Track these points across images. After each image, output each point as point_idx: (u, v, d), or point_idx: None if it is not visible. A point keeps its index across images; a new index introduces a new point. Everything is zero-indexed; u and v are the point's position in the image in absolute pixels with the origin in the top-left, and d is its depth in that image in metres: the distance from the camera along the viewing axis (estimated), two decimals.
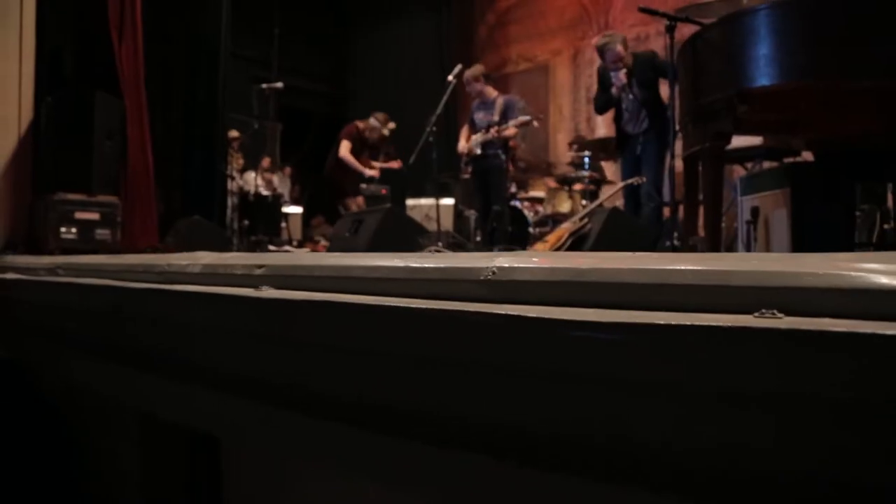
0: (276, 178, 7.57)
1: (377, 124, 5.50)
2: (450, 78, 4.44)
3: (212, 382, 1.43)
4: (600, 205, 4.28)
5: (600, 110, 4.70)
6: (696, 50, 2.71)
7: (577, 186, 5.43)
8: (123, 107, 5.47)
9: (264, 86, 5.03)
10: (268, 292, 1.29)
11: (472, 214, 6.67)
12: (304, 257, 1.37)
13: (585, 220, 3.96)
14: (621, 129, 4.57)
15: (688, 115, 2.82)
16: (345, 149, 5.40)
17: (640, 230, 4.03)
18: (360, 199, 5.54)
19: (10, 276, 2.42)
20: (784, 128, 3.21)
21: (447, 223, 5.74)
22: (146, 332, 1.59)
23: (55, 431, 2.38)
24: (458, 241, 6.83)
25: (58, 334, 2.05)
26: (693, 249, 2.91)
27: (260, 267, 1.42)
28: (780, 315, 0.83)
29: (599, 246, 3.85)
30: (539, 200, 6.07)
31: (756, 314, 0.84)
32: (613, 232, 3.87)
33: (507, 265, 1.07)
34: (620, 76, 4.32)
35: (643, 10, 2.71)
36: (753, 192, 3.39)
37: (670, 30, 2.77)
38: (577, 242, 3.92)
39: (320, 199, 9.64)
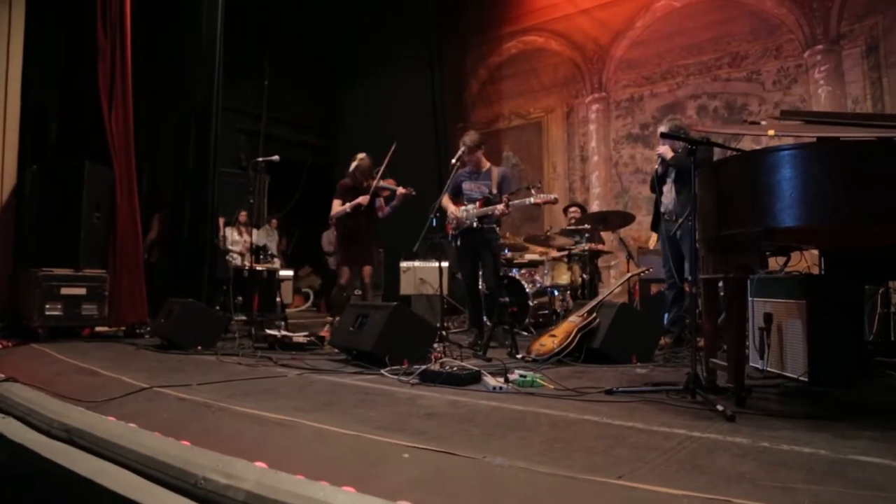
0: (256, 233, 7.35)
1: (354, 163, 5.11)
2: (453, 161, 4.38)
3: None
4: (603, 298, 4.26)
5: (652, 188, 4.81)
6: (719, 179, 2.68)
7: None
8: (112, 176, 5.23)
9: (260, 159, 4.91)
10: None
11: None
12: None
13: (594, 314, 3.93)
14: (657, 207, 4.59)
15: (709, 240, 2.78)
16: (334, 206, 5.09)
17: (648, 325, 4.01)
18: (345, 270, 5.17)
19: (10, 427, 2.25)
20: (797, 244, 3.22)
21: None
22: None
23: None
24: (453, 306, 6.77)
25: None
26: (714, 374, 2.86)
27: None
28: None
29: (609, 340, 3.83)
30: (535, 265, 6.03)
31: None
32: (622, 327, 3.85)
33: None
34: (661, 150, 4.20)
35: (665, 136, 2.69)
36: (766, 296, 3.39)
37: (691, 153, 2.74)
38: (585, 336, 3.89)
39: (307, 250, 9.48)
